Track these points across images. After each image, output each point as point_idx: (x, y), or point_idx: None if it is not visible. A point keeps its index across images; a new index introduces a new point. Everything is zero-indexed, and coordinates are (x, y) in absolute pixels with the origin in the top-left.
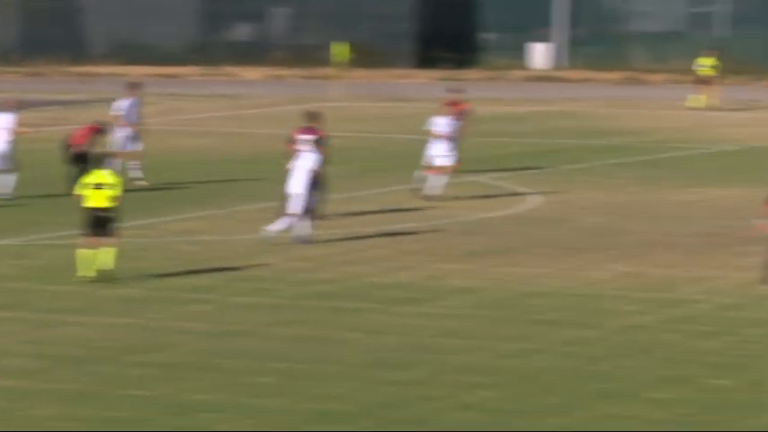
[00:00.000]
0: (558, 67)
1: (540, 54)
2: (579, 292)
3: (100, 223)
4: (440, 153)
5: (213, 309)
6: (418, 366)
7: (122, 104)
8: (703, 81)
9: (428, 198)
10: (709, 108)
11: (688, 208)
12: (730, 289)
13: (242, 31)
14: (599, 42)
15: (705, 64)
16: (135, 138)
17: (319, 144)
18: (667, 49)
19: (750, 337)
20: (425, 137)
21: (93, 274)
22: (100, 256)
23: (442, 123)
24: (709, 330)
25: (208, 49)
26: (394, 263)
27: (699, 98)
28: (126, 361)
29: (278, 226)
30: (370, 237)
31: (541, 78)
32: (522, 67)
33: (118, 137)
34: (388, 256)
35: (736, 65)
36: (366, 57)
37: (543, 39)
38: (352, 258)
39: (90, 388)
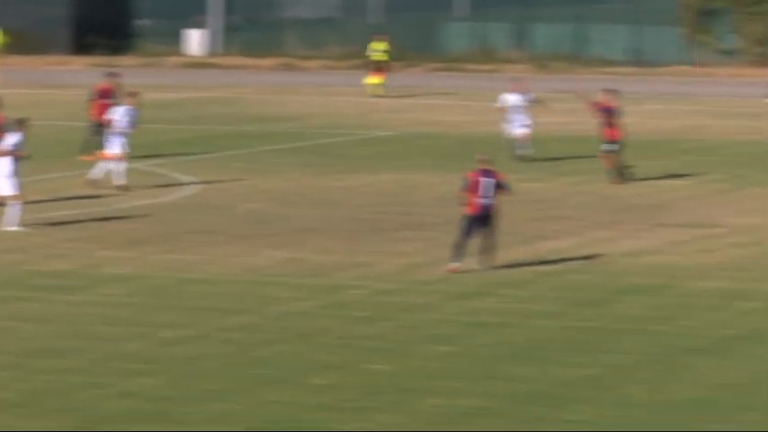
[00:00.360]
0: (213, 53)
1: (195, 41)
2: (239, 278)
3: None
4: (114, 141)
5: None
6: (78, 354)
7: None
8: (378, 66)
9: (105, 186)
10: (375, 95)
11: (346, 194)
12: (388, 275)
13: None
14: (254, 29)
15: (378, 49)
16: None
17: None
18: (322, 36)
19: (407, 322)
20: (84, 124)
21: None
22: None
23: (120, 112)
24: (366, 316)
25: None
26: (52, 250)
27: (375, 83)
28: None
29: None
30: (28, 224)
31: (197, 65)
32: (178, 53)
33: None
34: (45, 244)
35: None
36: (21, 43)
37: (199, 25)
38: (8, 246)
39: None
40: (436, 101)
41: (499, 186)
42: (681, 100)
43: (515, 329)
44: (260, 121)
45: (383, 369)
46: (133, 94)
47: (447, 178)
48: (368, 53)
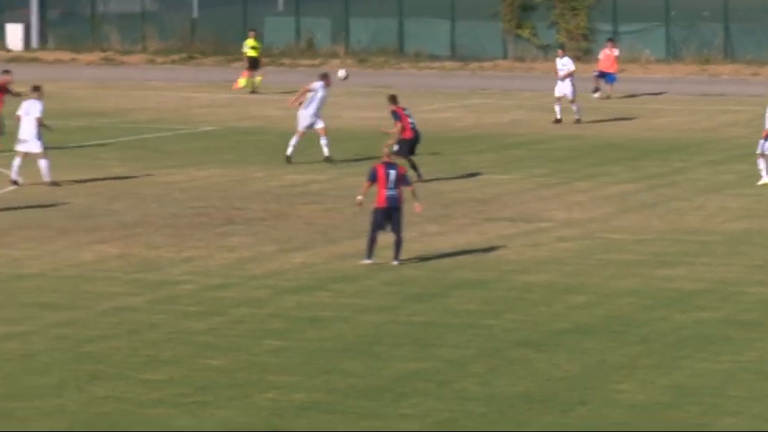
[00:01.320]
0: (31, 48)
1: (14, 34)
2: (68, 273)
3: None
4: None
5: None
6: None
7: None
8: (251, 63)
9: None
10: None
11: (171, 189)
12: (215, 269)
13: None
14: (73, 23)
15: (249, 45)
16: None
17: None
18: (142, 30)
19: (238, 317)
20: None
21: None
22: None
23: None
24: (197, 311)
25: None
26: None
27: (250, 79)
28: None
29: None
30: None
31: (16, 59)
32: None
33: None
34: None
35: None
36: None
37: (18, 19)
38: None
39: None
40: (260, 96)
41: (402, 179)
42: (503, 94)
43: (348, 324)
44: (82, 116)
45: (217, 364)
46: (37, 88)
47: (273, 173)
48: (244, 49)
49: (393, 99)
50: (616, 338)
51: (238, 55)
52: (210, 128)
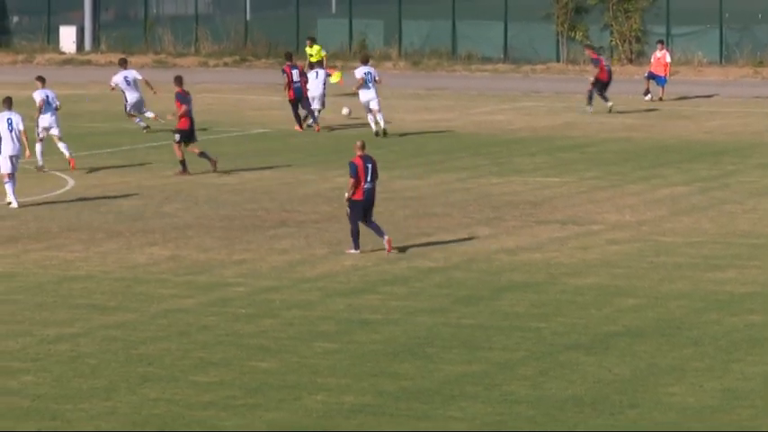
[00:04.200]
0: (86, 50)
1: (68, 37)
2: (119, 275)
3: None
4: None
5: None
6: None
7: None
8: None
9: None
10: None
11: (223, 191)
12: (267, 271)
13: None
14: (126, 26)
15: (312, 53)
16: None
17: None
18: (195, 32)
19: (289, 319)
20: None
21: None
22: None
23: None
24: (248, 313)
25: None
26: None
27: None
28: None
29: None
30: None
31: (70, 62)
32: (51, 50)
33: None
34: None
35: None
36: None
37: (72, 22)
38: None
39: None
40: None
41: (376, 172)
42: (555, 97)
43: (397, 326)
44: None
45: (267, 366)
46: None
47: (324, 175)
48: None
49: (179, 80)
50: (667, 341)
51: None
52: (262, 130)
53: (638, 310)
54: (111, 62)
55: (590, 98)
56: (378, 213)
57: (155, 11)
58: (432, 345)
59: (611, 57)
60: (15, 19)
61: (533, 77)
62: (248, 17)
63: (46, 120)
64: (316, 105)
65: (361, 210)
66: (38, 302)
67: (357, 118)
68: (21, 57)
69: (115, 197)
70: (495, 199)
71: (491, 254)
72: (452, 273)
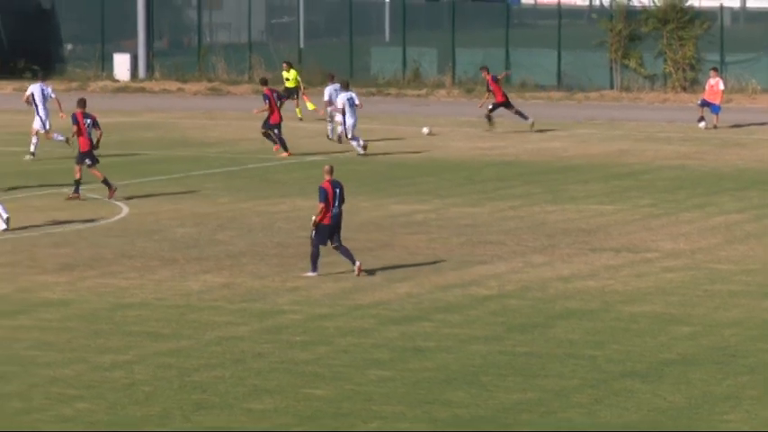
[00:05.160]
0: (139, 78)
1: (122, 65)
2: (173, 303)
3: None
4: None
5: None
6: (14, 379)
7: None
8: (290, 93)
9: None
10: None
11: (276, 218)
12: (321, 298)
13: None
14: (179, 53)
15: (289, 77)
16: None
17: None
18: (248, 60)
19: (343, 346)
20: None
21: None
22: None
23: None
24: (302, 340)
25: None
26: None
27: (298, 109)
28: None
29: None
30: None
31: (123, 89)
32: (105, 77)
33: None
34: None
35: (310, 75)
36: None
37: (125, 50)
38: None
39: None
40: (365, 125)
41: (342, 197)
42: (609, 124)
43: (451, 354)
44: (189, 145)
45: (321, 394)
46: None
47: (378, 203)
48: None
49: (81, 103)
50: (721, 369)
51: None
52: (316, 158)
53: (693, 338)
54: (165, 90)
55: (490, 119)
56: (432, 240)
57: (208, 39)
58: (486, 373)
59: (665, 84)
60: (69, 47)
61: (587, 105)
62: (302, 45)
63: None
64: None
65: (327, 234)
66: (92, 330)
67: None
68: (74, 84)
69: (169, 224)
70: (550, 227)
71: (545, 281)
72: (507, 300)
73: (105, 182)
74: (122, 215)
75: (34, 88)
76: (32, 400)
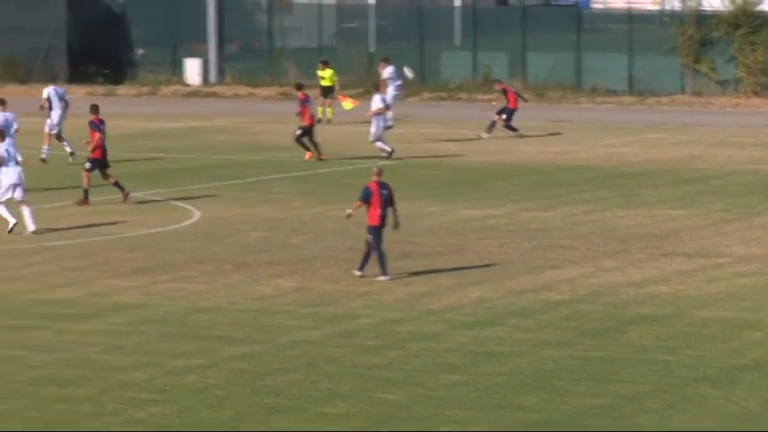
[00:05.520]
0: (210, 82)
1: (192, 69)
2: (246, 307)
3: None
4: None
5: None
6: (85, 383)
7: None
8: (326, 92)
9: None
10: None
11: (348, 223)
12: (392, 303)
13: None
14: (250, 58)
15: (324, 75)
16: None
17: None
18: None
19: (415, 351)
20: (85, 153)
21: None
22: None
23: None
24: (374, 345)
25: None
26: (56, 279)
27: (327, 109)
28: None
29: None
30: (31, 253)
31: (195, 94)
32: (176, 82)
33: None
34: (49, 272)
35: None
36: (18, 71)
37: (196, 54)
38: (13, 275)
39: None
40: (436, 129)
41: (390, 200)
42: (680, 129)
43: (523, 359)
44: (260, 149)
45: (393, 398)
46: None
47: (448, 207)
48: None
49: (94, 109)
50: None
51: (415, 90)
52: (389, 162)
53: (766, 343)
54: (236, 94)
55: (492, 126)
56: (504, 245)
57: (279, 43)
58: (559, 377)
59: (737, 89)
60: (140, 51)
61: (658, 110)
62: (372, 49)
63: None
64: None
65: (381, 234)
66: (165, 334)
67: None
68: (145, 89)
69: (241, 229)
70: (621, 231)
71: (617, 286)
72: (579, 305)
73: (117, 185)
74: (194, 219)
75: (50, 91)
76: (104, 405)
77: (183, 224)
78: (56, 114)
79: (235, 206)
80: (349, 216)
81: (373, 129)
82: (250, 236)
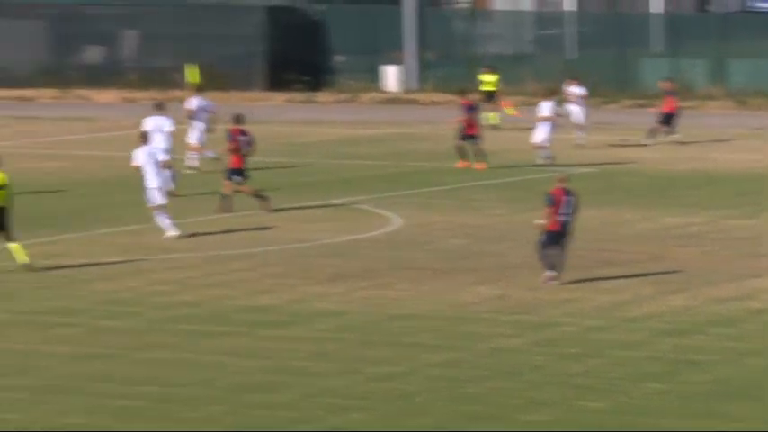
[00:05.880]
0: (409, 89)
1: (392, 76)
2: (446, 314)
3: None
4: None
5: (79, 332)
6: (286, 389)
7: None
8: (488, 97)
9: None
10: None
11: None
12: (592, 311)
13: (93, 54)
14: (449, 65)
15: (487, 80)
16: None
17: None
18: (517, 72)
19: (617, 359)
20: (289, 159)
21: None
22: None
23: None
24: (575, 353)
25: (59, 72)
26: (257, 285)
27: (492, 115)
28: None
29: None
30: (233, 259)
31: (393, 101)
32: (375, 89)
33: None
34: (250, 279)
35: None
36: (217, 79)
37: (395, 61)
38: (214, 281)
39: None
40: (634, 136)
41: (575, 206)
42: None
43: (728, 367)
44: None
45: (597, 406)
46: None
47: (647, 215)
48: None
49: (238, 119)
50: None
51: (613, 98)
52: (587, 170)
53: None
54: (434, 102)
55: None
56: (705, 253)
57: (480, 50)
58: (764, 386)
59: None
60: (340, 58)
61: None
62: (571, 56)
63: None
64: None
65: (554, 239)
66: (365, 341)
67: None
68: (344, 96)
69: (441, 236)
70: None
71: None
72: None
73: (258, 195)
74: (393, 226)
75: (195, 102)
76: (304, 411)
77: (382, 231)
78: (200, 126)
79: (434, 213)
80: (539, 226)
81: (543, 134)
82: (449, 243)
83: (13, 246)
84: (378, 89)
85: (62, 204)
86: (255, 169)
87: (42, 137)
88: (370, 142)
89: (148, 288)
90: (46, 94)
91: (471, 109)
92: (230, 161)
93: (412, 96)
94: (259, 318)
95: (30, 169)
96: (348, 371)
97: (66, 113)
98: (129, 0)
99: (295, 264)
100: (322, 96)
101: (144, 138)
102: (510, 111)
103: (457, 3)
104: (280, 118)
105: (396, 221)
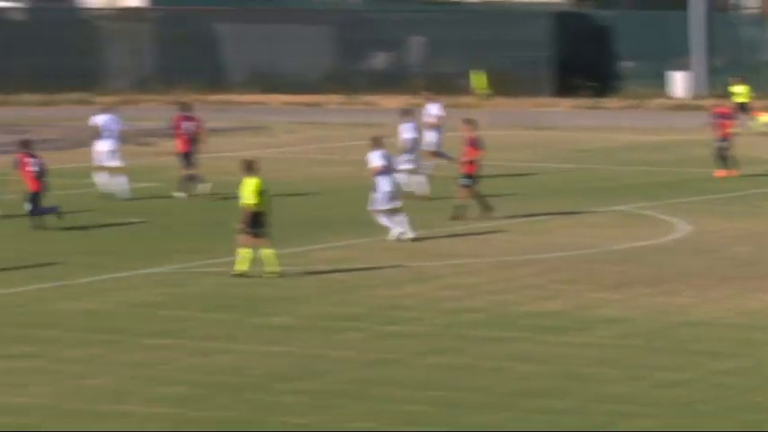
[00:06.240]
0: (697, 95)
1: (679, 83)
2: (731, 321)
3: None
4: None
5: (363, 337)
6: (570, 395)
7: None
8: (741, 108)
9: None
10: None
11: None
12: None
13: (379, 60)
14: (737, 71)
15: (738, 91)
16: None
17: None
18: None
19: None
20: (575, 165)
21: (245, 268)
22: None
23: None
24: None
25: (346, 78)
26: (542, 291)
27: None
28: (279, 389)
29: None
30: (519, 265)
31: (680, 107)
32: (662, 95)
33: None
34: (536, 285)
35: None
36: (504, 85)
37: (683, 67)
38: (500, 287)
39: (245, 415)
40: None
41: None
42: None
43: None
44: (749, 163)
45: None
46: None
47: None
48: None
49: (471, 123)
50: None
51: None
52: None
53: None
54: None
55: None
56: None
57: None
58: None
59: None
60: (628, 64)
61: None
62: None
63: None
64: None
65: None
66: (650, 347)
67: None
68: (631, 102)
69: (728, 243)
70: None
71: None
72: None
73: (480, 202)
74: (679, 233)
75: (433, 107)
76: (589, 416)
77: (668, 238)
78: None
79: (721, 220)
80: None
81: None
82: (737, 250)
83: (267, 252)
84: (665, 95)
85: (345, 210)
86: (534, 174)
87: (329, 142)
88: (656, 148)
89: (434, 294)
90: (333, 99)
91: (725, 116)
92: (468, 167)
93: (699, 102)
94: (544, 323)
95: (316, 174)
96: (632, 377)
97: (352, 119)
98: (415, 6)
99: (582, 270)
100: (609, 102)
101: (376, 142)
102: (763, 119)
103: (745, 8)
104: (565, 124)
105: (682, 228)
